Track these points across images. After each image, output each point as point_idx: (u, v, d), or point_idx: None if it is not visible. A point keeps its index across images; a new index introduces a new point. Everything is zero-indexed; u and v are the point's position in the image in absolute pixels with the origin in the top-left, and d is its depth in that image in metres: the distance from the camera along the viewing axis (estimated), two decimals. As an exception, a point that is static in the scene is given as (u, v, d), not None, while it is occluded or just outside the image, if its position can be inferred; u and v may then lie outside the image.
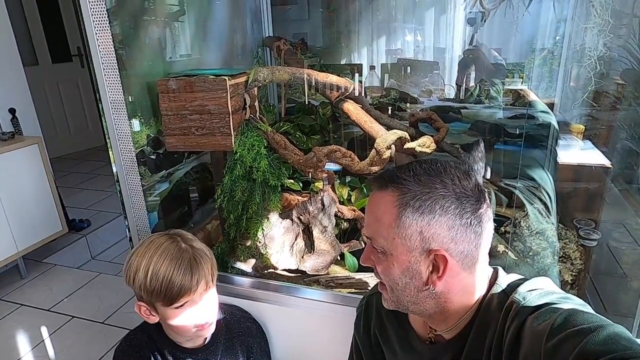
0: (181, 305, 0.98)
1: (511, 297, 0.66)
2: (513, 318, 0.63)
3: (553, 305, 0.60)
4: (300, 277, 1.35)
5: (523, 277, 0.72)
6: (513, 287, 0.68)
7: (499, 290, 0.69)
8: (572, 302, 0.62)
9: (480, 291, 0.70)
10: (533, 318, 0.60)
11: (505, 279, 0.71)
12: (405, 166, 0.69)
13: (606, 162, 1.34)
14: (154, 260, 0.95)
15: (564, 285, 1.12)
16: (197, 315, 1.01)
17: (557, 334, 0.55)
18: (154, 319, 1.03)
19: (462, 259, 0.66)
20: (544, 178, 1.23)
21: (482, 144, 1.36)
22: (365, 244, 1.42)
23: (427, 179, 0.65)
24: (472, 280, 0.69)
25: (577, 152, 1.41)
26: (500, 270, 0.74)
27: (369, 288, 1.22)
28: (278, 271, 1.37)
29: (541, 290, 0.65)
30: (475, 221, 0.65)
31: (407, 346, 0.80)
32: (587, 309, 0.60)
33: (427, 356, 0.76)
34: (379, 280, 0.75)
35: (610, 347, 0.50)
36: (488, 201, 0.68)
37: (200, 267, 0.98)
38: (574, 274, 1.11)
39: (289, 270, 1.37)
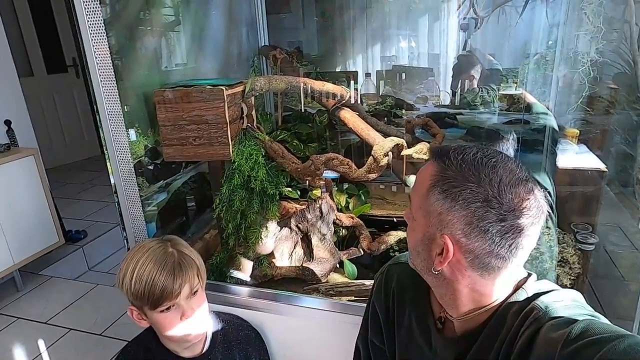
0: (166, 309, 0.98)
1: (533, 303, 0.64)
2: (530, 324, 0.61)
3: (573, 317, 0.59)
4: (300, 286, 1.35)
5: (554, 287, 0.69)
6: (537, 295, 0.66)
7: (524, 296, 0.66)
8: (597, 320, 0.60)
9: (499, 294, 0.68)
10: (549, 325, 0.59)
11: (533, 286, 0.68)
12: (462, 147, 0.67)
13: (601, 166, 1.35)
14: (140, 264, 0.96)
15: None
16: (185, 321, 1.00)
17: (574, 342, 0.54)
18: (145, 323, 1.04)
19: (472, 259, 0.64)
20: (545, 181, 1.23)
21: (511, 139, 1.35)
22: (364, 251, 1.42)
23: (468, 169, 0.63)
24: (484, 284, 0.67)
25: (572, 156, 1.42)
26: (533, 276, 0.70)
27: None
28: (277, 279, 1.37)
29: (567, 304, 0.63)
30: (496, 232, 0.61)
31: (422, 324, 0.80)
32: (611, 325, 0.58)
33: (437, 344, 0.76)
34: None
35: (631, 357, 0.49)
36: (538, 220, 0.63)
37: (184, 271, 0.98)
38: (572, 278, 1.12)
39: (288, 279, 1.37)
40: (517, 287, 0.68)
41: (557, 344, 0.55)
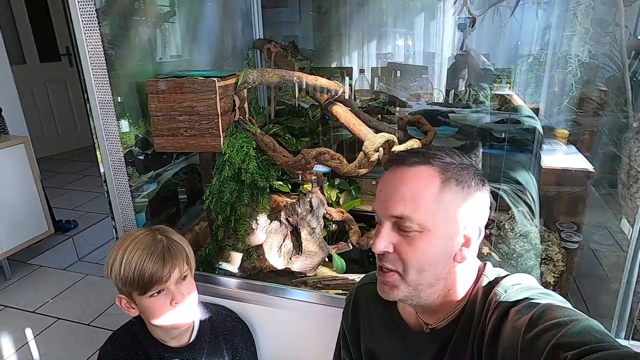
0: (157, 293, 0.98)
1: (494, 290, 0.68)
2: (494, 310, 0.65)
3: (532, 300, 0.63)
4: (288, 279, 1.36)
5: (508, 273, 0.74)
6: (498, 280, 0.70)
7: (486, 282, 0.71)
8: (552, 298, 0.64)
9: (472, 279, 0.73)
10: (515, 312, 0.62)
11: (492, 271, 0.73)
12: (430, 147, 0.73)
13: (589, 167, 1.36)
14: (128, 250, 0.97)
15: (546, 286, 1.13)
16: (174, 306, 1.01)
17: (534, 327, 0.57)
18: (134, 312, 1.04)
19: (479, 235, 0.70)
20: (529, 181, 1.25)
21: (479, 146, 1.39)
22: (353, 246, 1.43)
23: (460, 157, 0.69)
24: (472, 264, 0.73)
25: (561, 156, 1.43)
26: (489, 263, 0.76)
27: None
28: (266, 272, 1.37)
29: (523, 285, 0.67)
30: (488, 201, 0.70)
31: (396, 336, 0.82)
32: (567, 305, 0.62)
33: (415, 345, 0.78)
34: (384, 269, 0.70)
35: (584, 338, 0.52)
36: None
37: (173, 256, 0.99)
38: (556, 275, 1.14)
39: (276, 272, 1.38)
40: (480, 275, 0.73)
41: (521, 330, 0.58)
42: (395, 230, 0.68)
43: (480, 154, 1.43)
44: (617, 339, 0.98)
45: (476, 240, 0.69)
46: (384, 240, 0.68)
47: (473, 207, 0.67)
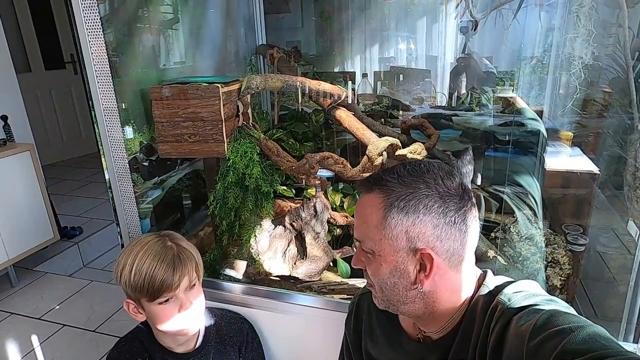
0: (165, 302, 0.99)
1: (497, 298, 0.67)
2: (498, 319, 0.64)
3: (536, 307, 0.62)
4: (293, 284, 1.36)
5: (511, 279, 0.73)
6: (500, 288, 0.69)
7: (486, 291, 0.70)
8: (557, 304, 0.63)
9: (468, 291, 0.71)
10: (517, 319, 0.61)
11: (493, 281, 0.72)
12: (390, 169, 0.70)
13: (594, 169, 1.36)
14: (139, 257, 0.98)
15: (553, 289, 1.13)
16: (182, 313, 1.01)
17: (538, 334, 0.56)
18: (141, 317, 1.04)
19: (449, 257, 0.67)
20: (532, 184, 1.25)
21: (470, 150, 1.39)
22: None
23: (411, 180, 0.67)
24: (459, 279, 0.70)
25: (565, 158, 1.43)
26: (489, 272, 0.75)
27: (361, 293, 1.23)
28: (270, 277, 1.37)
29: (527, 292, 0.66)
30: (459, 219, 0.66)
31: (396, 345, 0.81)
32: (571, 311, 0.61)
33: (415, 355, 0.77)
34: (367, 282, 0.76)
35: (589, 346, 0.51)
36: (473, 200, 0.69)
37: (183, 264, 1.00)
38: (562, 278, 1.13)
39: (281, 277, 1.38)
40: (479, 285, 0.72)
41: (525, 337, 0.57)
42: (362, 250, 0.72)
43: (471, 159, 1.42)
44: (625, 343, 0.97)
45: (441, 265, 0.66)
46: (356, 258, 0.75)
47: (421, 233, 0.65)
